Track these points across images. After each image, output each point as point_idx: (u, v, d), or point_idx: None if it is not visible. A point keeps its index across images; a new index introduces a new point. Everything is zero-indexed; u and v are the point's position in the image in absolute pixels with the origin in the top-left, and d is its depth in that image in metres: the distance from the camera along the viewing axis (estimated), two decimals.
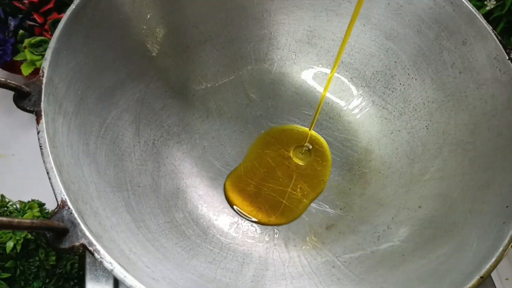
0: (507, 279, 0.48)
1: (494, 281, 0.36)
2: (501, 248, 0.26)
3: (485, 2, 0.48)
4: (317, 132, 0.43)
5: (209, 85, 0.43)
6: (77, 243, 0.23)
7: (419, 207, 0.35)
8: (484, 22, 0.35)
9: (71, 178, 0.27)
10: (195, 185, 0.39)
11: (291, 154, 0.42)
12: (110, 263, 0.23)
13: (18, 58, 0.50)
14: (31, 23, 0.52)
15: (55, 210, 0.24)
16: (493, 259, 0.26)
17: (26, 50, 0.49)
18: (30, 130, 0.55)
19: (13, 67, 0.53)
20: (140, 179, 0.36)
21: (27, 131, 0.55)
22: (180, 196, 0.38)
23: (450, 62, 0.38)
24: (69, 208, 0.24)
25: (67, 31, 0.31)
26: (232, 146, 0.42)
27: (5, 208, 0.37)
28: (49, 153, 0.25)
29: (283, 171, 0.41)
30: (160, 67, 0.40)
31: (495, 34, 0.34)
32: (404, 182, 0.38)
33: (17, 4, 0.51)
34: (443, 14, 0.37)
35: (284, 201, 0.39)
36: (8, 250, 0.34)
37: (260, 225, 0.38)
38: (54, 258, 0.36)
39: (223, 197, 0.39)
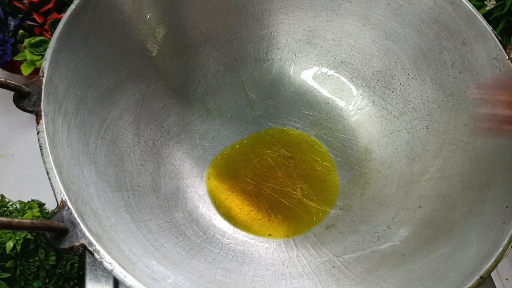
0: (507, 279, 0.48)
1: (494, 281, 0.36)
2: (501, 248, 0.26)
3: (485, 2, 0.48)
4: (317, 132, 0.43)
5: (209, 85, 0.43)
6: (77, 243, 0.23)
7: (419, 207, 0.35)
8: (484, 22, 0.35)
9: (71, 178, 0.27)
10: (195, 185, 0.39)
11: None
12: (110, 263, 0.23)
13: (18, 58, 0.50)
14: (31, 23, 0.52)
15: (55, 210, 0.24)
16: (493, 259, 0.26)
17: (26, 50, 0.49)
18: (30, 130, 0.55)
19: (13, 67, 0.53)
20: (140, 179, 0.36)
21: (27, 131, 0.55)
22: (180, 196, 0.38)
23: (450, 62, 0.38)
24: (69, 208, 0.24)
25: (67, 31, 0.31)
26: (232, 146, 0.42)
27: (5, 208, 0.37)
28: (49, 153, 0.25)
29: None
30: (160, 67, 0.40)
31: (495, 34, 0.34)
32: (404, 182, 0.38)
33: (17, 4, 0.51)
34: (443, 14, 0.37)
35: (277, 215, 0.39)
36: (8, 250, 0.34)
37: (260, 225, 0.38)
38: (54, 258, 0.36)
39: None
